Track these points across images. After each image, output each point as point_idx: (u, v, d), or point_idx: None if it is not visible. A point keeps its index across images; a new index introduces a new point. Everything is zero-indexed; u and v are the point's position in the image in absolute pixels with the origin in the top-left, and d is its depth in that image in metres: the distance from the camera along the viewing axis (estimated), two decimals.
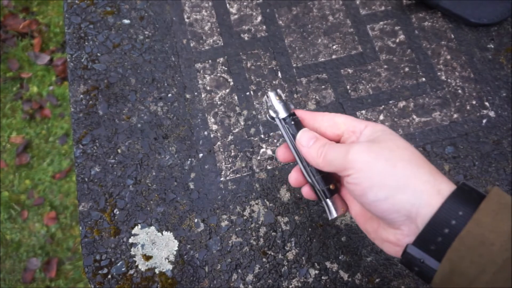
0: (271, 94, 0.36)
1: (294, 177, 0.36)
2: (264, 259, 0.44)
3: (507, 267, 0.23)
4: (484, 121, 0.49)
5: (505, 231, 0.24)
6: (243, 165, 0.48)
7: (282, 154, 0.37)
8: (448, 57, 0.52)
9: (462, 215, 0.25)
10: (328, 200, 0.34)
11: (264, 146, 0.48)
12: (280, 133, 0.38)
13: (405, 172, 0.27)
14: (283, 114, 0.35)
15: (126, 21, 0.55)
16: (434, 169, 0.28)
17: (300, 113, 0.36)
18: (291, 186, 0.46)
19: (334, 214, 0.34)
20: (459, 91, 0.50)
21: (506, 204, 0.25)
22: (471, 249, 0.24)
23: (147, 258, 0.44)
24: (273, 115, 0.36)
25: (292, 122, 0.35)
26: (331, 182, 0.34)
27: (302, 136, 0.33)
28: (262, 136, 0.49)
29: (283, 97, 0.36)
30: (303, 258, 0.44)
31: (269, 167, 0.47)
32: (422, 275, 0.28)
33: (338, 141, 0.33)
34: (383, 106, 0.50)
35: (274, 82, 0.51)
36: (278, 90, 0.37)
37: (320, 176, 0.34)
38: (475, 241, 0.24)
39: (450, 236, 0.25)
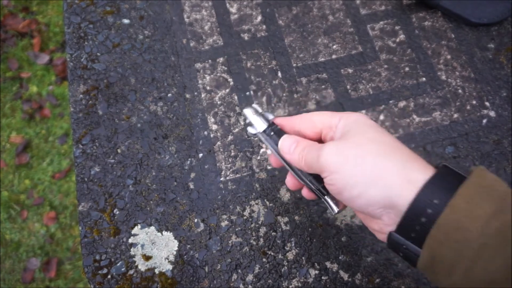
0: (247, 111, 0.37)
1: (290, 181, 0.37)
2: (264, 259, 0.44)
3: (483, 252, 0.23)
4: (484, 121, 0.49)
5: (481, 216, 0.23)
6: (243, 165, 0.48)
7: (274, 162, 0.38)
8: (449, 56, 0.52)
9: (438, 203, 0.25)
10: (326, 197, 0.34)
11: (264, 146, 0.48)
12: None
13: (373, 167, 0.27)
14: (262, 127, 0.36)
15: (126, 21, 0.55)
16: (408, 157, 0.28)
17: (279, 121, 0.36)
18: None
19: (336, 209, 0.34)
20: (460, 91, 0.50)
21: (487, 187, 0.25)
22: (448, 235, 0.24)
23: (147, 258, 0.44)
24: (253, 131, 0.36)
25: (272, 133, 0.35)
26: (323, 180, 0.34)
27: (283, 144, 0.34)
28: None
29: (259, 110, 0.37)
30: (303, 258, 0.44)
31: (269, 167, 0.47)
32: (408, 260, 0.28)
33: (319, 139, 0.34)
34: (383, 106, 0.50)
35: (274, 82, 0.51)
36: (254, 105, 0.37)
37: (311, 177, 0.34)
38: (451, 227, 0.24)
39: (427, 224, 0.25)
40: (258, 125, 0.36)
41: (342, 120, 0.31)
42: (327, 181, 0.30)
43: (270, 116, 0.37)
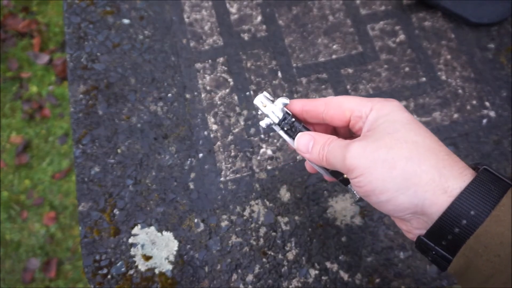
0: (257, 101, 0.34)
1: (309, 167, 0.35)
2: (264, 259, 0.44)
3: None
4: (484, 121, 0.49)
5: None
6: (243, 165, 0.47)
7: (292, 149, 0.35)
8: (449, 57, 0.52)
9: (474, 214, 0.24)
10: (349, 186, 0.33)
11: (264, 146, 0.48)
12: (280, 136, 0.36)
13: (404, 173, 0.25)
14: (275, 119, 0.33)
15: (126, 21, 0.55)
16: (444, 161, 0.26)
17: (297, 107, 0.33)
18: (291, 186, 0.46)
19: (357, 197, 0.32)
20: (460, 91, 0.50)
21: None
22: (488, 249, 0.23)
23: (147, 258, 0.44)
24: (264, 124, 0.33)
25: (286, 127, 0.33)
26: None
27: (299, 143, 0.32)
28: (262, 136, 0.49)
29: (271, 98, 0.34)
30: (303, 258, 0.44)
31: (269, 167, 0.47)
32: (436, 264, 0.27)
33: (346, 127, 0.32)
34: None
35: (274, 82, 0.51)
36: (265, 93, 0.34)
37: (331, 170, 0.32)
38: (493, 240, 0.23)
39: (462, 235, 0.24)
40: (271, 117, 0.33)
41: (373, 111, 0.29)
42: (354, 182, 0.28)
43: (283, 102, 0.33)
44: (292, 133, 0.33)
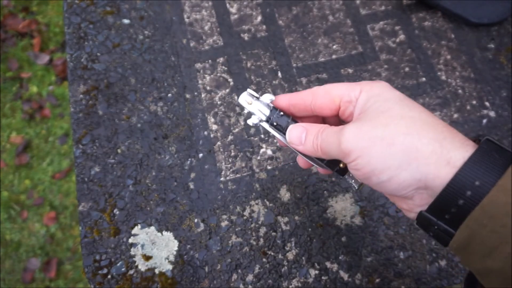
0: (241, 100, 0.32)
1: (302, 161, 0.34)
2: (264, 259, 0.44)
3: None
4: (484, 121, 0.49)
5: None
6: (243, 165, 0.48)
7: (284, 145, 0.34)
8: (448, 57, 0.52)
9: (479, 184, 0.23)
10: (345, 176, 0.32)
11: (264, 146, 0.48)
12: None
13: (404, 148, 0.24)
14: (262, 116, 0.32)
15: (126, 21, 0.55)
16: (444, 133, 0.25)
17: (283, 101, 0.32)
18: (291, 186, 0.46)
19: (356, 186, 0.32)
20: (459, 91, 0.50)
21: None
22: (494, 218, 0.22)
23: (147, 258, 0.44)
24: (252, 122, 0.32)
25: (275, 122, 0.32)
26: (339, 161, 0.31)
27: (291, 136, 0.31)
28: (262, 136, 0.49)
29: (256, 95, 0.33)
30: (303, 258, 0.44)
31: (269, 167, 0.47)
32: (438, 239, 0.26)
33: (337, 116, 0.31)
34: None
35: (274, 82, 0.51)
36: (248, 90, 0.33)
37: (326, 161, 0.31)
38: (498, 210, 0.22)
39: (466, 206, 0.23)
40: (258, 115, 0.32)
41: (363, 92, 0.28)
42: (352, 166, 0.27)
43: (269, 98, 0.32)
44: (282, 128, 0.32)
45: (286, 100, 0.32)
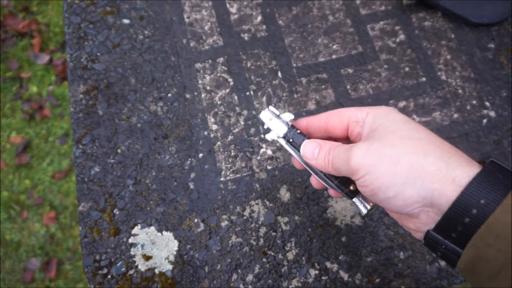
0: (263, 116, 0.34)
1: (315, 181, 0.35)
2: (264, 259, 0.44)
3: None
4: (484, 121, 0.49)
5: None
6: (243, 165, 0.48)
7: (297, 165, 0.36)
8: (448, 57, 0.52)
9: (484, 203, 0.23)
10: (354, 200, 0.33)
11: (264, 146, 0.48)
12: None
13: (410, 166, 0.25)
14: (281, 132, 0.34)
15: (126, 21, 0.55)
16: (449, 152, 0.26)
17: (302, 122, 0.34)
18: (291, 186, 0.46)
19: (364, 211, 0.33)
20: (460, 91, 0.50)
21: None
22: (499, 237, 0.22)
23: (147, 258, 0.44)
24: (271, 138, 0.34)
25: (292, 139, 0.33)
26: (351, 182, 0.33)
27: (305, 150, 0.32)
28: (262, 136, 0.49)
29: (277, 113, 0.35)
30: (303, 258, 0.44)
31: (269, 167, 0.47)
32: (446, 259, 0.27)
33: (346, 138, 0.32)
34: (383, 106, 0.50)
35: (274, 82, 0.51)
36: (270, 107, 0.35)
37: (338, 181, 0.33)
38: (504, 229, 0.22)
39: (472, 225, 0.24)
40: (276, 131, 0.34)
41: (370, 115, 0.29)
42: (360, 183, 0.28)
43: (289, 117, 0.34)
44: (297, 146, 0.33)
45: (304, 122, 0.34)
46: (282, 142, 0.34)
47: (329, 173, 0.31)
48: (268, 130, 0.35)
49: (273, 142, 0.34)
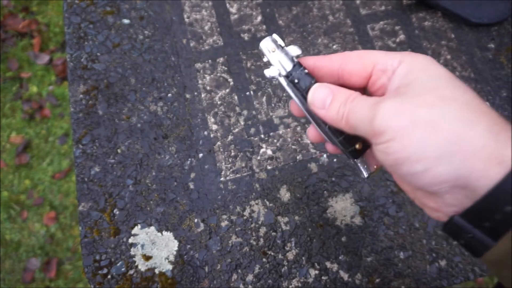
0: (264, 45, 0.28)
1: (312, 133, 0.30)
2: (264, 259, 0.44)
3: None
4: None
5: None
6: (243, 165, 0.48)
7: (296, 110, 0.30)
8: (449, 56, 0.52)
9: None
10: (356, 161, 0.28)
11: (264, 146, 0.48)
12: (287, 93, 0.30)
13: (451, 137, 0.20)
14: (283, 69, 0.28)
15: (126, 21, 0.55)
16: (500, 124, 0.21)
17: (310, 61, 0.28)
18: (291, 186, 0.46)
19: (365, 174, 0.28)
20: None
21: None
22: None
23: (147, 258, 0.44)
24: (270, 73, 0.28)
25: (297, 80, 0.27)
26: (357, 140, 0.27)
27: (315, 96, 0.26)
28: (262, 136, 0.49)
29: (282, 44, 0.28)
30: (303, 258, 0.44)
31: (269, 167, 0.47)
32: (470, 249, 0.23)
33: (365, 86, 0.27)
34: None
35: (274, 82, 0.51)
36: (274, 36, 0.28)
37: (342, 137, 0.27)
38: None
39: None
40: (278, 66, 0.28)
41: (404, 64, 0.24)
42: (381, 148, 0.23)
43: (296, 52, 0.28)
44: (302, 89, 0.27)
45: (312, 62, 0.28)
46: (283, 82, 0.28)
47: (340, 128, 0.26)
48: (268, 65, 0.28)
49: (272, 80, 0.28)
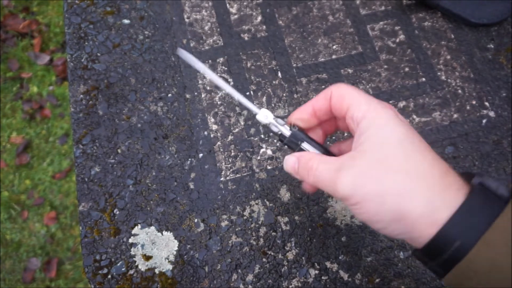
0: (269, 123, 0.34)
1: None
2: (264, 259, 0.44)
3: None
4: (484, 121, 0.49)
5: None
6: (243, 165, 0.48)
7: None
8: (448, 57, 0.52)
9: (460, 244, 0.24)
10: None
11: (264, 146, 0.48)
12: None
13: (394, 209, 0.26)
14: (283, 135, 0.33)
15: (126, 21, 0.55)
16: (438, 186, 0.25)
17: (309, 106, 0.32)
18: (291, 186, 0.46)
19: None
20: (459, 91, 0.50)
21: None
22: (479, 273, 0.23)
23: (147, 258, 0.44)
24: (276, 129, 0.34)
25: (288, 144, 0.33)
26: None
27: (287, 165, 0.32)
28: (262, 136, 0.49)
29: (274, 122, 0.34)
30: (303, 258, 0.44)
31: (269, 167, 0.47)
32: (433, 272, 0.28)
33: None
34: None
35: (274, 82, 0.51)
36: (271, 118, 0.34)
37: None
38: (484, 265, 0.23)
39: (454, 256, 0.24)
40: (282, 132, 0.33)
41: (365, 120, 0.28)
42: (351, 209, 0.28)
43: (286, 124, 0.33)
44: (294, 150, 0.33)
45: (310, 106, 0.32)
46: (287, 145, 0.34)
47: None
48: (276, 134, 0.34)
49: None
